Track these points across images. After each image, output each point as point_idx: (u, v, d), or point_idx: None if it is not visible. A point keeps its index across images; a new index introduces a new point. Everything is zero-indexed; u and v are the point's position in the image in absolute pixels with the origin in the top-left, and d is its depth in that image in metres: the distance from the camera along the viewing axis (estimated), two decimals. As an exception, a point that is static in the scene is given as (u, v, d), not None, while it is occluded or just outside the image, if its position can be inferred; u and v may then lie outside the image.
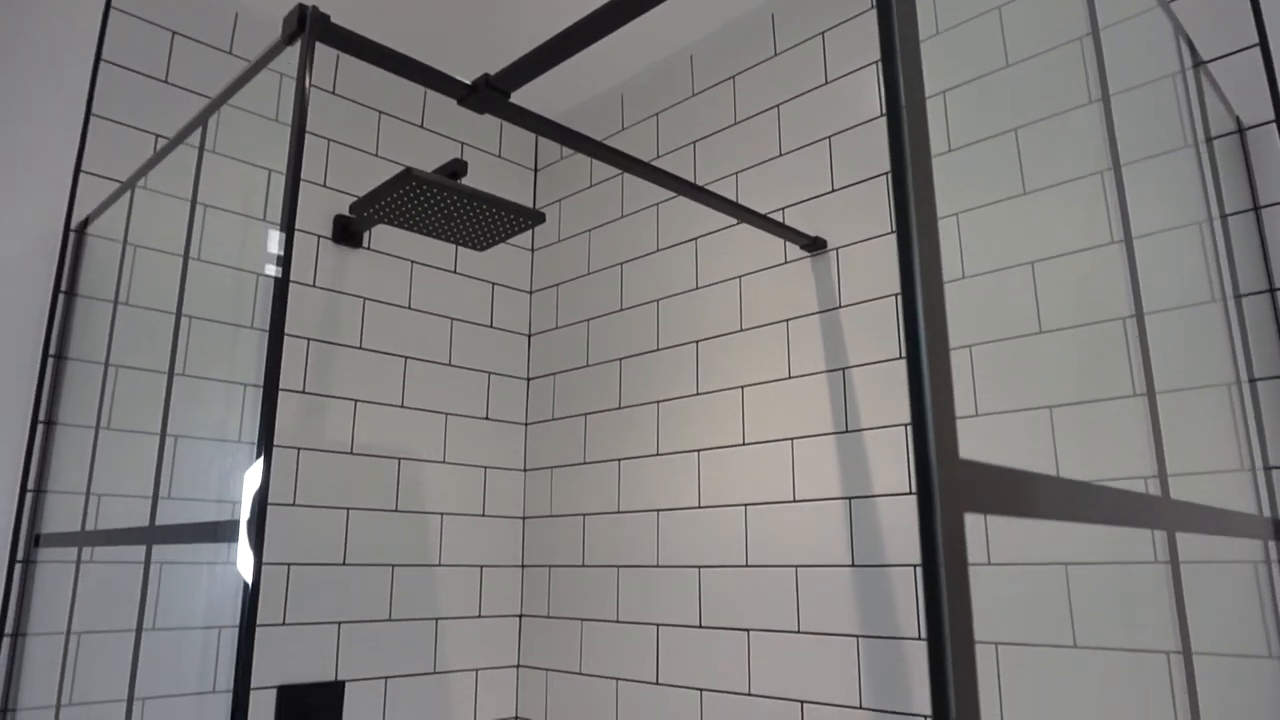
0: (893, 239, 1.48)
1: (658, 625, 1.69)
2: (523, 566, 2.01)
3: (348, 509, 1.75)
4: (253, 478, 0.85)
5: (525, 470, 2.06)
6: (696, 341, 1.75)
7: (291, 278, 1.77)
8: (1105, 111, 1.00)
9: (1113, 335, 1.16)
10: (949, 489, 0.33)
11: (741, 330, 1.68)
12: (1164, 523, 0.62)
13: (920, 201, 0.39)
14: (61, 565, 1.43)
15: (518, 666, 1.97)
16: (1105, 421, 1.12)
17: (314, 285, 1.79)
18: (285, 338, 1.74)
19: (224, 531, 0.85)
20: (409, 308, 1.93)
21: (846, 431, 1.47)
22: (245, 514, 0.96)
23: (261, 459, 0.85)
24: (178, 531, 0.97)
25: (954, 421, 0.34)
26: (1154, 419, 0.88)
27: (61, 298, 1.52)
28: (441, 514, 1.89)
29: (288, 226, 1.03)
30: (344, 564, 1.72)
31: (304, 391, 1.74)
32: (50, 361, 1.50)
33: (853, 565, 1.42)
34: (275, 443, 1.67)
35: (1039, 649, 1.21)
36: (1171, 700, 1.10)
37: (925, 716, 1.30)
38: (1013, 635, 1.24)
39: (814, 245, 1.58)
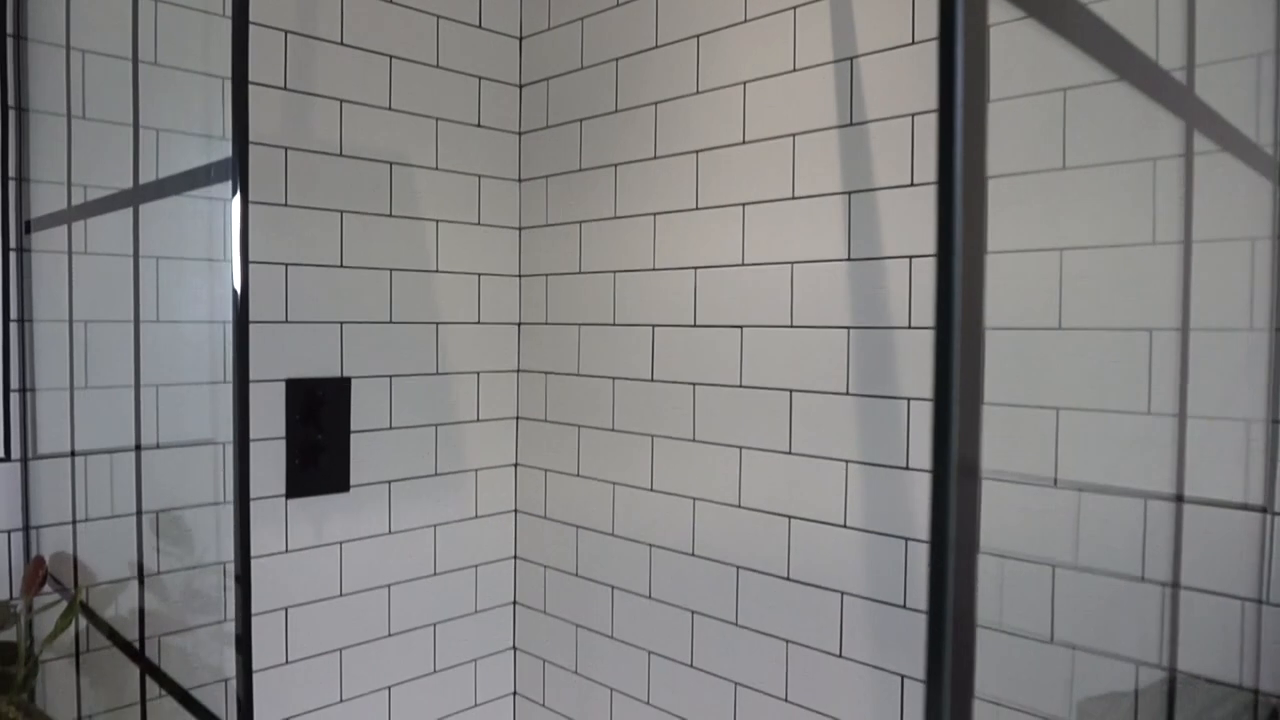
0: (916, -94, 1.34)
1: (653, 326, 1.72)
2: (520, 276, 2.02)
3: (341, 212, 1.72)
4: (233, 172, 0.82)
5: (520, 180, 2.02)
6: (697, 36, 1.64)
7: (260, -39, 1.63)
8: None
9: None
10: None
11: (745, 22, 1.57)
12: (1185, 110, 0.59)
13: None
14: (55, 256, 1.43)
15: (518, 371, 2.03)
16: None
17: (285, -29, 1.66)
18: (259, 28, 1.63)
19: (217, 172, 0.83)
20: (390, 1, 1.80)
21: (850, 125, 1.42)
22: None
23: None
24: (164, 185, 0.95)
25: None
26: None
27: (11, -29, 1.40)
28: (436, 220, 1.87)
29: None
30: (341, 266, 1.73)
31: (285, 88, 1.66)
32: (9, 41, 1.41)
33: (849, 259, 1.42)
34: (261, 141, 1.62)
35: (1025, 331, 1.23)
36: (1148, 377, 1.13)
37: (909, 399, 1.35)
38: (996, 322, 1.26)
39: (829, -82, 1.43)
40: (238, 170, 0.79)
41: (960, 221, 0.47)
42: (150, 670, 1.13)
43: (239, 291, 0.94)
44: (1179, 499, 1.08)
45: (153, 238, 1.46)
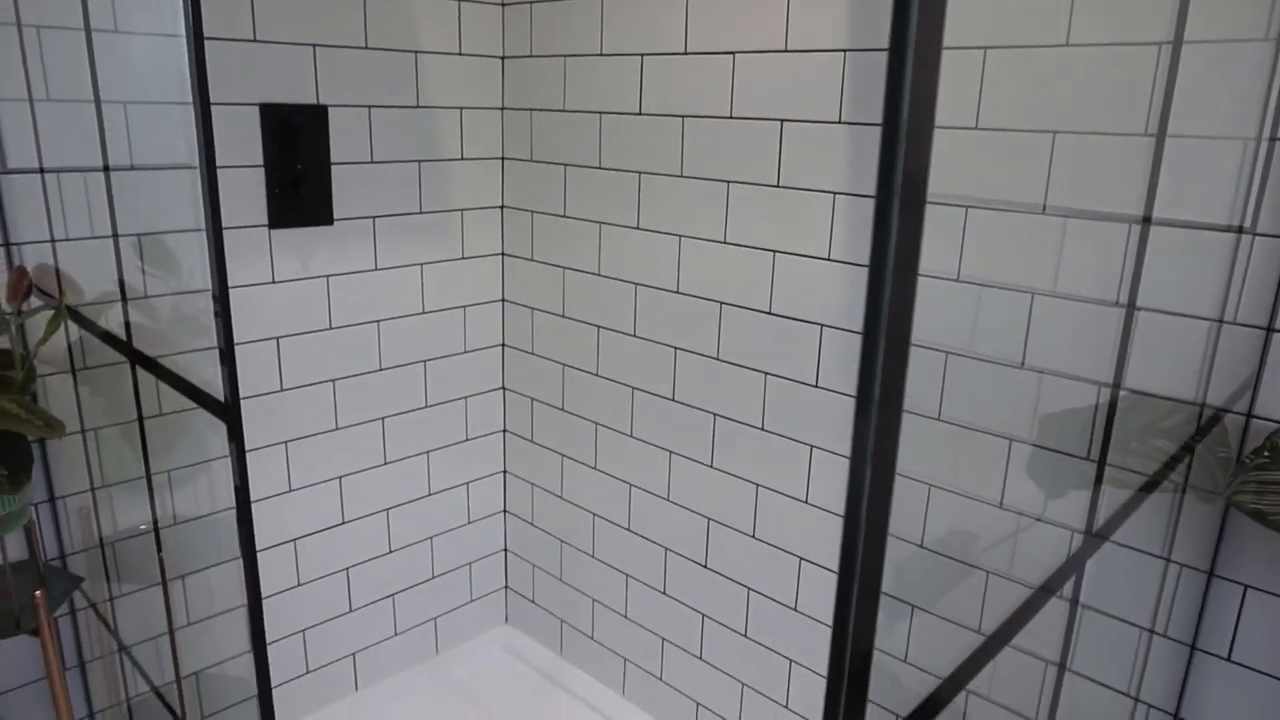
0: None
1: (641, 55, 1.64)
2: (503, 5, 1.90)
3: (306, -82, 1.59)
4: None
5: (502, -106, 1.85)
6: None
7: None
8: None
9: None
10: None
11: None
12: None
13: None
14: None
15: (502, 109, 1.96)
16: None
17: None
18: None
19: None
20: None
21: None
22: None
23: None
24: None
25: None
26: None
27: None
28: (411, -65, 1.73)
29: None
30: (310, -18, 1.61)
31: None
32: None
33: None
34: None
35: (1027, 50, 1.18)
36: (1150, 96, 1.09)
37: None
38: (998, 41, 1.21)
39: None
40: None
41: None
42: (141, 360, 1.16)
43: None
44: (1146, 221, 1.08)
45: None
